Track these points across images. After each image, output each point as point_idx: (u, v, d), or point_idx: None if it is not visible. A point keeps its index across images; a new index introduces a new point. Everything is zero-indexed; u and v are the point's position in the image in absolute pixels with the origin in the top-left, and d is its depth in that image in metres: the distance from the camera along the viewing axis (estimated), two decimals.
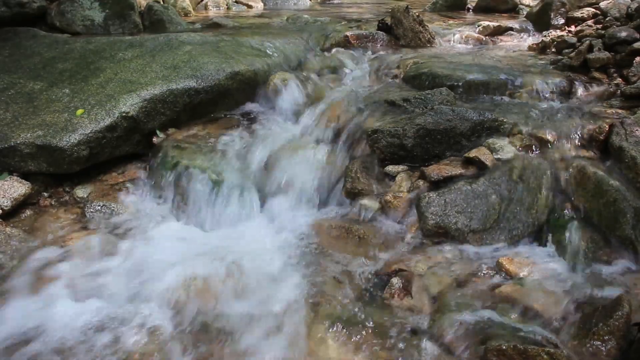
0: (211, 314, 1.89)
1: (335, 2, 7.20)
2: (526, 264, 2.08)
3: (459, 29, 4.56)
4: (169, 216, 2.53)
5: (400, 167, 2.55)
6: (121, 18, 4.27)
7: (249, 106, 3.30)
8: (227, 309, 1.91)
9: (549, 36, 4.18)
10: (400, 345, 1.75)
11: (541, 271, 2.05)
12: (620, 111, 2.76)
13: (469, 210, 2.26)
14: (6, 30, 3.71)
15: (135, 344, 1.74)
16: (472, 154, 2.44)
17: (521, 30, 4.68)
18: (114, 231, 2.41)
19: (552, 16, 4.54)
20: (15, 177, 2.53)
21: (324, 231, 2.35)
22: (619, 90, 3.03)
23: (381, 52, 3.90)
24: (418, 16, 4.18)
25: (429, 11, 5.82)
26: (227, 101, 3.22)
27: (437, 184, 2.40)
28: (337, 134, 2.80)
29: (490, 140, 2.52)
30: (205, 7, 6.12)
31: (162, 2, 5.04)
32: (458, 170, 2.42)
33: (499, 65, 3.48)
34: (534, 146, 2.52)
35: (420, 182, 2.44)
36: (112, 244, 2.30)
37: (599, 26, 3.85)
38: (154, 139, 2.90)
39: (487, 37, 4.44)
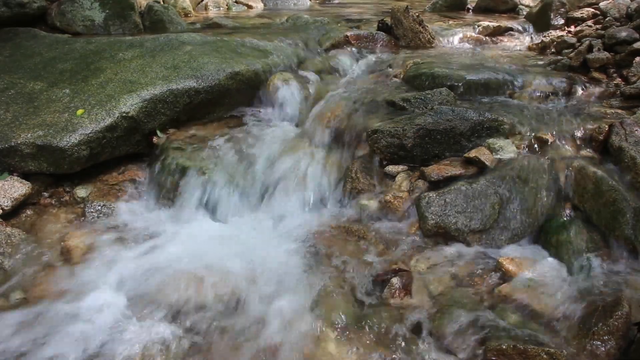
0: (213, 313, 1.89)
1: (335, 2, 7.19)
2: (526, 264, 2.08)
3: (459, 29, 4.56)
4: (169, 216, 2.53)
5: (400, 167, 2.55)
6: (121, 18, 4.27)
7: (250, 106, 3.30)
8: (228, 309, 1.92)
9: (548, 36, 4.18)
10: (400, 344, 1.75)
11: (541, 271, 2.05)
12: (619, 111, 2.76)
13: (469, 210, 2.26)
14: (6, 30, 3.71)
15: (139, 347, 1.74)
16: (472, 154, 2.44)
17: (521, 31, 4.68)
18: (115, 231, 2.41)
19: (551, 16, 4.54)
20: (15, 177, 2.53)
21: (324, 231, 2.36)
22: (618, 91, 3.04)
23: (381, 52, 3.90)
24: (418, 16, 4.18)
25: (428, 11, 5.82)
26: (227, 101, 3.22)
27: (437, 184, 2.41)
28: (337, 134, 2.80)
29: (490, 140, 2.52)
30: (206, 8, 6.12)
31: (162, 3, 5.03)
32: (458, 170, 2.42)
33: (499, 65, 3.48)
34: (533, 146, 2.52)
35: (420, 182, 2.44)
36: (112, 243, 2.30)
37: (599, 26, 3.85)
38: (154, 139, 2.90)
39: (486, 38, 4.44)
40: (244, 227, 2.43)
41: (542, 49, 3.98)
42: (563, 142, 2.52)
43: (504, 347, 1.61)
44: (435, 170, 2.43)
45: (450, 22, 4.99)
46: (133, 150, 2.86)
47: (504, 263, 2.08)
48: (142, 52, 3.31)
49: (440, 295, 1.97)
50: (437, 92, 2.88)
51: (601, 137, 2.43)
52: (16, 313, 1.89)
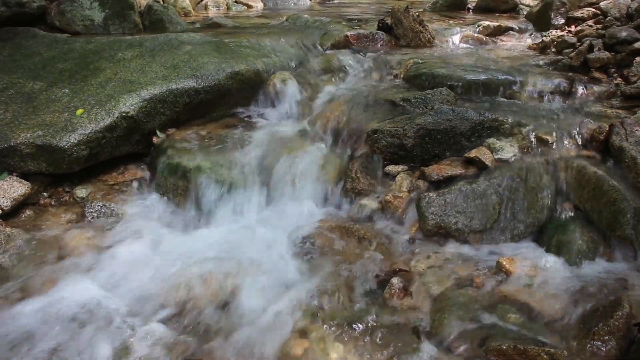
0: (212, 313, 1.89)
1: (335, 2, 7.19)
2: (526, 264, 2.08)
3: (459, 29, 4.55)
4: (168, 216, 2.53)
5: (400, 167, 2.55)
6: (121, 18, 4.26)
7: (249, 106, 3.29)
8: (228, 308, 1.91)
9: (549, 36, 4.17)
10: (400, 345, 1.75)
11: (541, 271, 2.05)
12: (620, 111, 2.76)
13: (469, 210, 2.26)
14: (6, 30, 3.71)
15: (136, 345, 1.74)
16: (472, 154, 2.44)
17: (521, 30, 4.68)
18: (114, 231, 2.40)
19: (552, 16, 4.54)
20: (15, 177, 2.53)
21: (324, 231, 2.35)
22: (619, 90, 3.03)
23: (381, 52, 3.90)
24: (418, 16, 4.18)
25: (429, 11, 5.82)
26: (227, 101, 3.22)
27: (437, 184, 2.40)
28: (337, 134, 2.80)
29: (490, 140, 2.52)
30: (205, 7, 6.11)
31: (162, 2, 5.03)
32: (458, 170, 2.42)
33: (499, 65, 3.47)
34: (534, 146, 2.51)
35: (420, 182, 2.44)
36: (111, 244, 2.30)
37: (599, 26, 3.85)
38: (154, 139, 2.90)
39: (487, 37, 4.43)
40: (243, 227, 2.43)
41: (542, 48, 3.97)
42: (563, 142, 2.51)
43: (504, 347, 1.61)
44: (436, 170, 2.43)
45: (451, 21, 4.99)
46: (133, 150, 2.86)
47: (504, 263, 2.08)
48: (141, 51, 3.31)
49: (440, 295, 1.97)
50: (438, 92, 2.88)
51: (602, 137, 2.42)
52: (16, 312, 1.89)
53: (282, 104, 3.24)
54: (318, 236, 2.32)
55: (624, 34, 3.33)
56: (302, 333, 1.80)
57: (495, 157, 2.45)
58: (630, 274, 2.02)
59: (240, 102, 3.28)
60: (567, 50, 3.66)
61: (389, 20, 4.23)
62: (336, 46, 4.01)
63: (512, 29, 4.67)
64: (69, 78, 3.00)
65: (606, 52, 3.31)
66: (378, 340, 1.77)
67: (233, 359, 1.71)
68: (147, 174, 2.80)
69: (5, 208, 2.39)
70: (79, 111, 2.69)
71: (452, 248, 2.20)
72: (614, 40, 3.34)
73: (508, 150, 2.48)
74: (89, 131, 2.60)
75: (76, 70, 3.08)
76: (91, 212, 2.51)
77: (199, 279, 2.00)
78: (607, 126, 2.43)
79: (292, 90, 3.27)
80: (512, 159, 2.44)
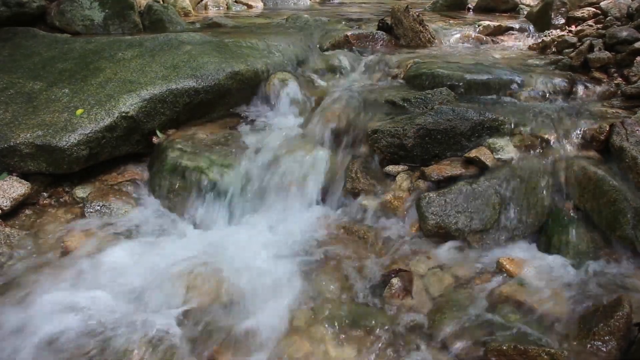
0: (211, 313, 1.89)
1: (335, 2, 7.19)
2: (526, 264, 2.08)
3: (459, 28, 4.55)
4: (168, 216, 2.53)
5: (401, 167, 2.55)
6: (121, 18, 4.26)
7: (249, 106, 3.29)
8: (227, 308, 1.91)
9: (549, 36, 4.17)
10: (401, 345, 1.75)
11: (541, 271, 2.05)
12: (620, 111, 2.76)
13: (470, 210, 2.26)
14: (6, 30, 3.70)
15: (134, 345, 1.74)
16: (473, 154, 2.44)
17: (521, 30, 4.68)
18: (114, 231, 2.40)
19: (552, 16, 4.54)
20: (14, 177, 2.53)
21: (324, 231, 2.35)
22: (619, 90, 3.03)
23: (381, 52, 3.90)
24: (418, 16, 4.18)
25: (429, 11, 5.82)
26: (227, 101, 3.22)
27: (438, 184, 2.40)
28: (337, 134, 2.80)
29: (490, 140, 2.52)
30: (205, 7, 6.11)
31: (161, 2, 5.03)
32: (458, 170, 2.42)
33: (499, 65, 3.47)
34: (534, 146, 2.51)
35: (421, 182, 2.44)
36: (111, 244, 2.30)
37: (600, 26, 3.85)
38: (154, 139, 2.89)
39: (487, 37, 4.43)
40: (243, 228, 2.43)
41: (542, 48, 3.97)
42: (564, 141, 2.51)
43: (505, 347, 1.61)
44: (436, 170, 2.43)
45: (451, 21, 4.99)
46: (133, 150, 2.86)
47: (505, 263, 2.07)
48: (141, 51, 3.30)
49: (440, 295, 1.97)
50: (438, 92, 2.87)
51: (602, 137, 2.42)
52: (15, 313, 1.89)
53: (281, 104, 3.23)
54: (317, 236, 2.32)
55: (624, 33, 3.33)
56: (302, 333, 1.79)
57: (496, 157, 2.45)
58: (630, 274, 2.02)
59: (240, 102, 3.28)
60: (567, 50, 3.66)
61: (389, 20, 4.23)
62: (336, 46, 4.01)
63: (512, 28, 4.67)
64: (68, 78, 3.00)
65: (606, 52, 3.30)
66: (378, 340, 1.77)
67: (232, 358, 1.71)
68: (146, 174, 2.79)
69: (4, 208, 2.38)
70: (79, 111, 2.69)
71: (452, 248, 2.20)
72: (615, 40, 3.34)
73: (508, 150, 2.48)
74: (88, 131, 2.60)
75: (76, 70, 3.08)
76: (91, 212, 2.51)
77: (197, 278, 2.00)
78: (607, 126, 2.43)
79: (292, 90, 3.26)
80: (513, 159, 2.44)
